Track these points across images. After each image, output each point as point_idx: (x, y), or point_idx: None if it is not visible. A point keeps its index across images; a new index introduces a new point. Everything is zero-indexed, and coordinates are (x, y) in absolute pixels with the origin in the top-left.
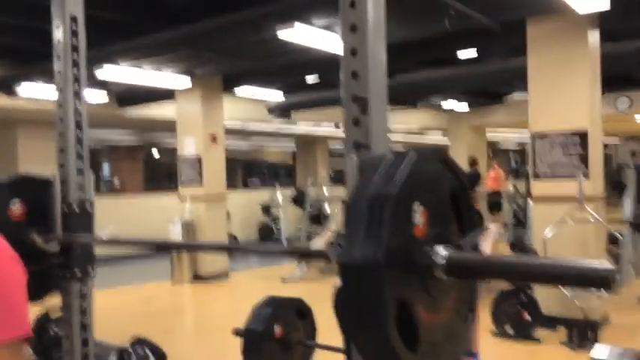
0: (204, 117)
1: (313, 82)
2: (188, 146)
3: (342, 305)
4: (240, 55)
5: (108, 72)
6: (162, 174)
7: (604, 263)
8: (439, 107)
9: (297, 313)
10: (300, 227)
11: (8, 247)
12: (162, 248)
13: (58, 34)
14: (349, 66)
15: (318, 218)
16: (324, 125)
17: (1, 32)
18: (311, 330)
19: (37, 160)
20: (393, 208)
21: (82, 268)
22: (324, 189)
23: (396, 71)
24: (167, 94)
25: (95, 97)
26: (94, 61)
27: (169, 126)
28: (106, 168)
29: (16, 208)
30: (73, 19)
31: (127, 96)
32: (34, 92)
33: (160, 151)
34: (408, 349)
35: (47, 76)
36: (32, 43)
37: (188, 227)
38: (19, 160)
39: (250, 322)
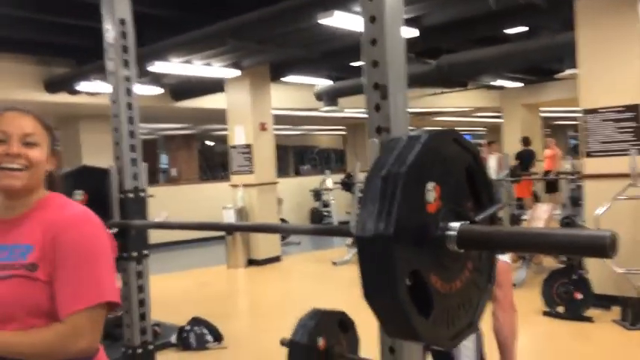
0: (253, 106)
1: (359, 66)
2: (238, 135)
3: (361, 275)
4: (285, 43)
5: (160, 67)
6: (216, 163)
7: (603, 231)
8: (490, 87)
9: (340, 325)
10: (349, 212)
11: (100, 222)
12: (207, 228)
13: (109, 36)
14: (370, 55)
15: None
16: None
17: (64, 33)
18: (354, 342)
19: (98, 151)
20: (403, 186)
21: (138, 249)
22: None
23: (444, 52)
24: (218, 86)
25: (150, 91)
26: (147, 57)
27: (222, 116)
28: (164, 159)
29: (79, 196)
30: (122, 22)
31: (180, 89)
32: (93, 89)
33: (214, 141)
34: (422, 315)
35: (104, 73)
36: (90, 42)
37: (241, 213)
38: (82, 152)
39: (295, 334)
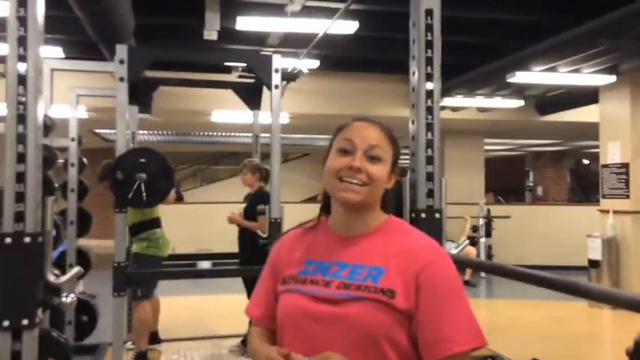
0: (634, 118)
1: None
2: (612, 152)
3: None
4: None
5: (521, 77)
6: (592, 184)
7: None
8: None
9: None
10: None
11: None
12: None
13: (414, 32)
14: None
15: None
16: None
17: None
18: None
19: (461, 166)
20: None
21: None
22: None
23: None
24: (591, 97)
25: (511, 104)
26: (507, 68)
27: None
28: (530, 176)
29: None
30: (429, 13)
31: (546, 102)
32: (456, 104)
33: (589, 159)
34: None
35: (465, 88)
36: (454, 58)
37: (610, 244)
38: (446, 167)
39: None
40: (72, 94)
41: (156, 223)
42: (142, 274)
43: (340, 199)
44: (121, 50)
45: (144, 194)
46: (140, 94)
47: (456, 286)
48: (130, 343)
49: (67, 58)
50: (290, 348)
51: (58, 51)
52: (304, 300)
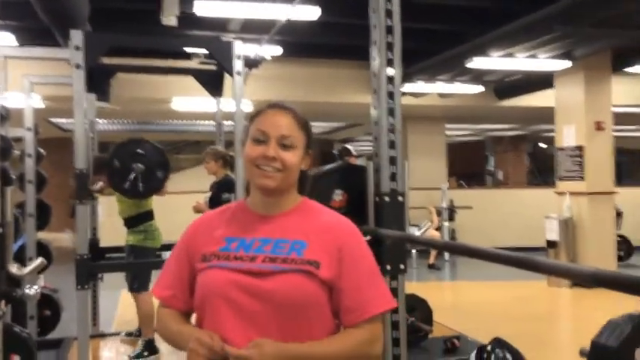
0: (587, 102)
1: None
2: (567, 136)
3: None
4: (633, 25)
5: (479, 63)
6: (549, 167)
7: None
8: None
9: None
10: None
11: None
12: (491, 259)
13: (374, 18)
14: None
15: None
16: None
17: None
18: None
19: (424, 152)
20: None
21: (392, 262)
22: None
23: None
24: (547, 82)
25: (470, 89)
26: (465, 54)
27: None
28: (491, 161)
29: (339, 196)
30: (388, 14)
31: (504, 87)
32: (417, 90)
33: (547, 143)
34: None
35: (427, 74)
36: (414, 44)
37: (567, 225)
38: (409, 153)
39: (601, 335)
40: (26, 82)
41: (150, 215)
42: (107, 266)
43: (257, 185)
44: (76, 36)
45: (140, 185)
46: (97, 81)
47: (371, 259)
48: (123, 333)
49: (20, 45)
50: (218, 321)
51: (10, 38)
52: (232, 274)
